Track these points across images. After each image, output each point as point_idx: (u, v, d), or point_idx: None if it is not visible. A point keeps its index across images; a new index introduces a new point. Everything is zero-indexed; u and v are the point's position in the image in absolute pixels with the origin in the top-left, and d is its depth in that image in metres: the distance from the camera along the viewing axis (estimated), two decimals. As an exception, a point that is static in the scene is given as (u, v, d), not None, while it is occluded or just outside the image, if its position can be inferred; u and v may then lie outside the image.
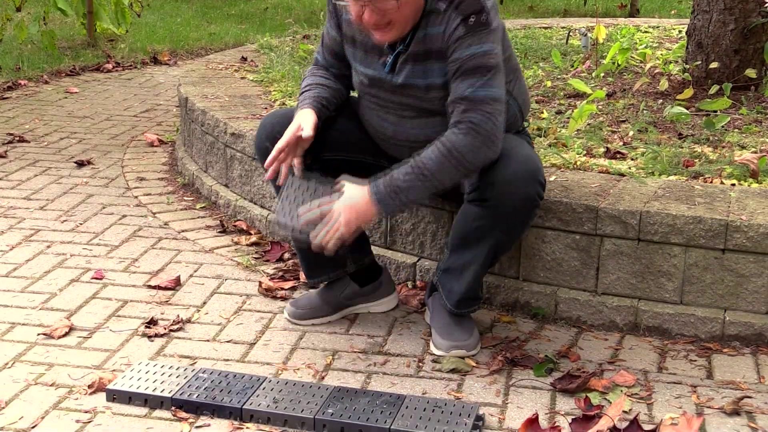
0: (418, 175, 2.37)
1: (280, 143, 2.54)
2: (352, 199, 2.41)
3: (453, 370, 2.54)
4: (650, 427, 2.21)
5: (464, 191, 2.55)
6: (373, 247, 3.00)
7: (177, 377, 2.40)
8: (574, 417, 2.26)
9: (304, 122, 2.55)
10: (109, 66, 6.96)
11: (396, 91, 2.56)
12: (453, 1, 2.42)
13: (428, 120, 2.56)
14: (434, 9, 2.44)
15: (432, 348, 2.64)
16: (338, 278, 2.82)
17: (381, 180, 2.40)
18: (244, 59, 5.24)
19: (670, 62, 4.61)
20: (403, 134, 2.61)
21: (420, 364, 2.57)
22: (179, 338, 2.71)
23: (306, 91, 2.68)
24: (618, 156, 3.25)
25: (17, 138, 4.86)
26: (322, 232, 2.41)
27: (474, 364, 2.55)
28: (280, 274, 3.14)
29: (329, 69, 2.74)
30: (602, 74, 4.56)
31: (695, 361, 2.60)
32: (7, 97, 5.92)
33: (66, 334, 2.70)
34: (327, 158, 2.70)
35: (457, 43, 2.41)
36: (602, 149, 3.31)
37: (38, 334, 2.70)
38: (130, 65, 7.11)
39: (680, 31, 5.81)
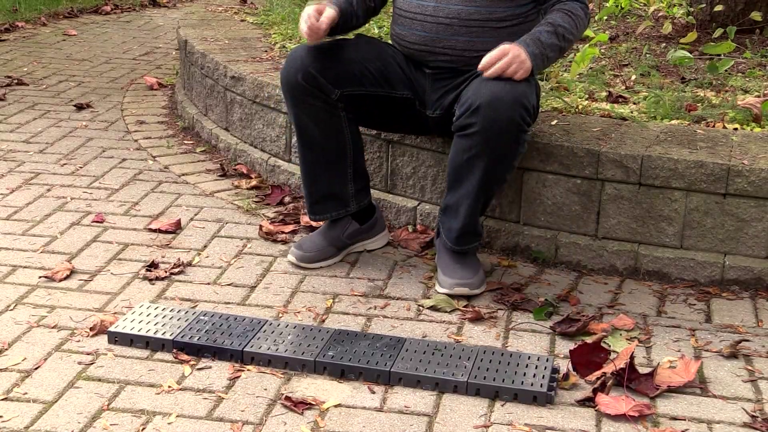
0: (553, 31, 2.54)
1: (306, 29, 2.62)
2: (514, 48, 2.48)
3: (432, 308, 2.56)
4: (648, 369, 2.23)
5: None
6: (373, 191, 3.01)
7: (178, 320, 2.41)
8: (572, 360, 2.28)
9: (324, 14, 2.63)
10: (108, 8, 6.90)
11: None
12: None
13: None
14: None
15: (436, 287, 2.65)
16: (340, 217, 2.83)
17: (522, 38, 2.52)
18: (243, 1, 5.18)
19: (674, 5, 4.55)
20: (445, 10, 2.63)
21: (420, 307, 2.58)
22: (180, 281, 2.72)
23: None
24: (620, 100, 3.23)
25: (15, 81, 4.82)
26: (503, 63, 2.46)
27: (458, 307, 2.56)
28: (281, 217, 3.14)
29: None
30: (605, 17, 4.51)
31: (694, 305, 2.61)
32: (4, 39, 5.87)
33: (67, 277, 2.71)
34: (347, 94, 2.68)
35: None
36: (604, 93, 3.29)
37: (40, 277, 2.71)
38: (129, 7, 7.04)
39: (685, -26, 5.74)
